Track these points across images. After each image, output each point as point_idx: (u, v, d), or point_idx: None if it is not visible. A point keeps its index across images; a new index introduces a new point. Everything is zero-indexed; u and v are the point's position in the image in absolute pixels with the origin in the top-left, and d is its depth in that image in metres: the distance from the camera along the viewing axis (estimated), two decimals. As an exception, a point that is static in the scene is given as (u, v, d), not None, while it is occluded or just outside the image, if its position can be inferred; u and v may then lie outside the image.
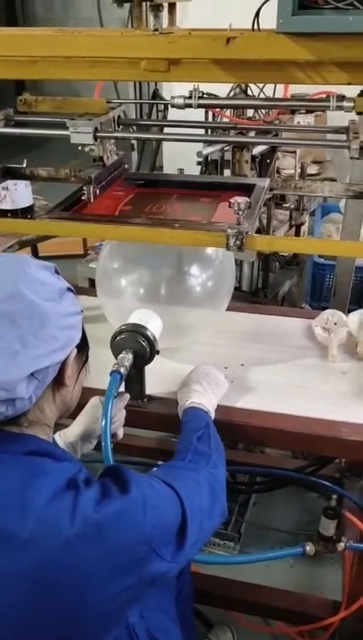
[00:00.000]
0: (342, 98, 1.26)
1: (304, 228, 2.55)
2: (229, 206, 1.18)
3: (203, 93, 1.40)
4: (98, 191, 1.37)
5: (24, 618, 0.79)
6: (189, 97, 1.39)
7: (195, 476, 1.04)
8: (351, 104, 1.24)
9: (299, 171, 2.28)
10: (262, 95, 1.71)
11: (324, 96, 1.34)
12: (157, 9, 1.26)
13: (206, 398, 1.26)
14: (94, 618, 0.83)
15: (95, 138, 1.32)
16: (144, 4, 1.30)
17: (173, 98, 1.39)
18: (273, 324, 1.73)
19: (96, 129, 1.31)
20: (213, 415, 1.24)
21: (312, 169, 3.36)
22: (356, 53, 1.04)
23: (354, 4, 0.99)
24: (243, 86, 2.67)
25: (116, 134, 1.41)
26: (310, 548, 1.38)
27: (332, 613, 1.55)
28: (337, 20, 0.99)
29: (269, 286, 2.29)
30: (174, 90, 1.51)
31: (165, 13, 1.40)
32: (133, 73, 1.23)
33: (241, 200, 1.17)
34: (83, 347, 1.02)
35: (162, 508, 0.89)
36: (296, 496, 2.25)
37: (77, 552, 0.79)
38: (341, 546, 1.40)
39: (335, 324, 1.61)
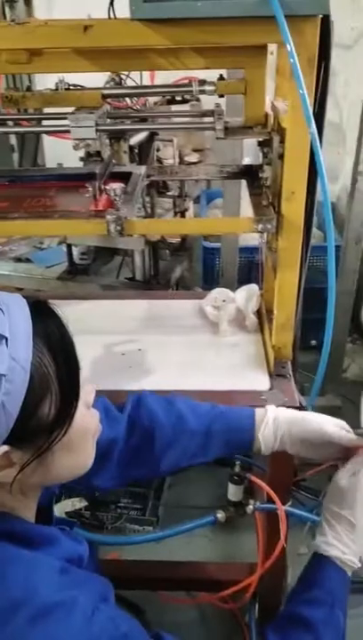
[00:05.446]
0: (203, 82, 1.33)
1: (190, 214, 2.61)
2: (106, 193, 1.20)
3: (69, 85, 1.42)
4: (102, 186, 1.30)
5: None
6: (56, 89, 1.40)
7: None
8: (213, 87, 1.30)
9: (178, 160, 2.34)
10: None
11: (187, 82, 1.40)
12: (12, 1, 1.25)
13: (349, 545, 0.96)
14: None
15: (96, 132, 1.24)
16: (-1, -4, 1.29)
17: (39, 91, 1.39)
18: (167, 307, 1.77)
19: (96, 122, 1.24)
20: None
21: (193, 157, 3.44)
22: (208, 38, 1.09)
23: (202, -9, 1.04)
24: (117, 79, 2.71)
25: (118, 127, 1.37)
26: (221, 515, 1.44)
27: (250, 575, 1.62)
28: (186, 5, 1.03)
29: (160, 273, 2.34)
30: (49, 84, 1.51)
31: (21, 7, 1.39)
32: (-8, 65, 1.22)
33: (116, 186, 1.19)
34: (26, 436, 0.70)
35: None
36: (209, 472, 2.32)
37: None
38: (250, 508, 1.47)
39: (224, 301, 1.68)
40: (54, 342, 0.70)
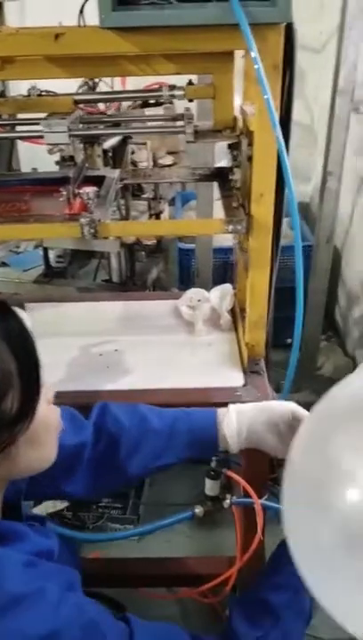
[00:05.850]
0: (173, 87, 1.36)
1: (165, 216, 2.65)
2: (79, 197, 1.23)
3: (41, 91, 1.44)
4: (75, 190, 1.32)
5: None
6: (28, 95, 1.42)
7: None
8: (182, 92, 1.34)
9: (151, 163, 2.37)
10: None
11: (158, 86, 1.43)
12: (-17, 9, 1.27)
13: None
14: None
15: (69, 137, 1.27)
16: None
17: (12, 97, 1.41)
18: (143, 308, 1.80)
19: (69, 128, 1.27)
20: None
21: (167, 160, 3.48)
22: (176, 45, 1.12)
23: (169, 0, 1.08)
24: (91, 83, 2.73)
25: (90, 132, 1.40)
26: (199, 510, 1.46)
27: (229, 569, 1.65)
28: (154, 14, 1.06)
29: (137, 275, 2.36)
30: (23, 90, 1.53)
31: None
32: (-35, 72, 1.23)
33: (89, 189, 1.22)
34: None
35: None
36: (189, 470, 2.34)
37: None
38: (227, 503, 1.49)
39: (199, 300, 1.71)
40: (15, 340, 0.72)
